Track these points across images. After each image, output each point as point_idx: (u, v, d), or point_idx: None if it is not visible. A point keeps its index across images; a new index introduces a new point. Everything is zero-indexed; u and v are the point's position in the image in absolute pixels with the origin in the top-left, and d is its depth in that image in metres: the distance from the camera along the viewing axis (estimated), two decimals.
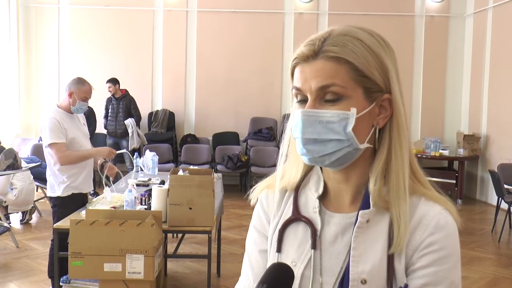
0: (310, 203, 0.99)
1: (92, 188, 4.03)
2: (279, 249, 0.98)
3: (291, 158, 1.02)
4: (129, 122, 7.91)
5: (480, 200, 8.19)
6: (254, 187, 1.07)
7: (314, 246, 0.95)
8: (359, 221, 0.91)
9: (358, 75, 0.89)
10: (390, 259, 0.90)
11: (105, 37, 8.81)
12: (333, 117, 0.89)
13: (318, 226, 0.96)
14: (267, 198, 1.05)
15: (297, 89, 0.93)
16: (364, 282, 0.89)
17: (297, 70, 0.93)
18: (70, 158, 3.65)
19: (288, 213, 1.01)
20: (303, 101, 0.92)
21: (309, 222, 0.97)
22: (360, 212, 0.92)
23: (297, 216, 0.99)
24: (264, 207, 1.05)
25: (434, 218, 0.91)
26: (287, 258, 0.97)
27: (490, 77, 8.00)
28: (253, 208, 1.07)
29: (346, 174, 0.96)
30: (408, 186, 0.92)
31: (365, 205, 0.92)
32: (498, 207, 6.22)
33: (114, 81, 7.87)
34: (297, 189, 1.02)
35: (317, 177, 1.00)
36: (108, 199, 3.74)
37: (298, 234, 0.98)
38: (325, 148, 0.90)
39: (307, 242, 0.96)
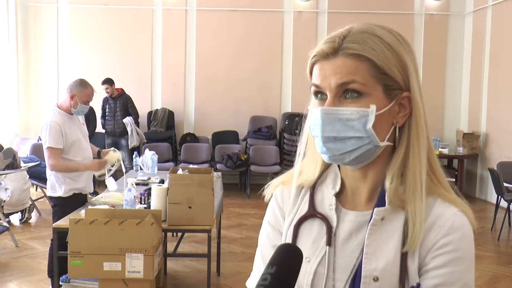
0: (326, 200, 0.99)
1: (93, 189, 4.03)
2: None
3: (309, 156, 1.01)
4: (128, 120, 7.89)
5: (479, 198, 8.18)
6: (268, 183, 1.07)
7: (329, 243, 0.95)
8: (373, 219, 0.91)
9: (378, 72, 0.89)
10: (403, 257, 0.89)
11: (104, 36, 8.79)
12: (352, 115, 0.88)
13: (334, 223, 0.96)
14: (282, 194, 1.05)
15: (316, 86, 0.92)
16: (376, 279, 0.89)
17: (316, 68, 0.92)
18: (60, 168, 3.66)
19: (303, 209, 1.00)
20: (322, 98, 0.92)
21: (325, 219, 0.97)
22: (375, 209, 0.91)
23: (312, 213, 0.99)
24: (279, 203, 1.04)
25: (450, 219, 0.90)
26: None
27: (489, 75, 7.99)
28: (264, 205, 1.06)
29: (364, 172, 0.95)
30: (425, 185, 0.91)
31: (381, 203, 0.92)
32: (497, 205, 6.22)
33: (110, 82, 7.82)
34: (314, 186, 1.01)
35: (334, 174, 1.00)
36: (111, 189, 3.73)
37: (313, 230, 0.98)
38: (345, 145, 0.89)
39: (321, 238, 0.96)
